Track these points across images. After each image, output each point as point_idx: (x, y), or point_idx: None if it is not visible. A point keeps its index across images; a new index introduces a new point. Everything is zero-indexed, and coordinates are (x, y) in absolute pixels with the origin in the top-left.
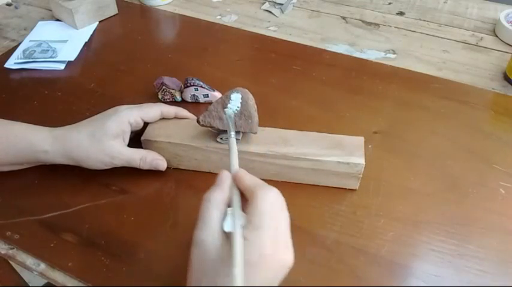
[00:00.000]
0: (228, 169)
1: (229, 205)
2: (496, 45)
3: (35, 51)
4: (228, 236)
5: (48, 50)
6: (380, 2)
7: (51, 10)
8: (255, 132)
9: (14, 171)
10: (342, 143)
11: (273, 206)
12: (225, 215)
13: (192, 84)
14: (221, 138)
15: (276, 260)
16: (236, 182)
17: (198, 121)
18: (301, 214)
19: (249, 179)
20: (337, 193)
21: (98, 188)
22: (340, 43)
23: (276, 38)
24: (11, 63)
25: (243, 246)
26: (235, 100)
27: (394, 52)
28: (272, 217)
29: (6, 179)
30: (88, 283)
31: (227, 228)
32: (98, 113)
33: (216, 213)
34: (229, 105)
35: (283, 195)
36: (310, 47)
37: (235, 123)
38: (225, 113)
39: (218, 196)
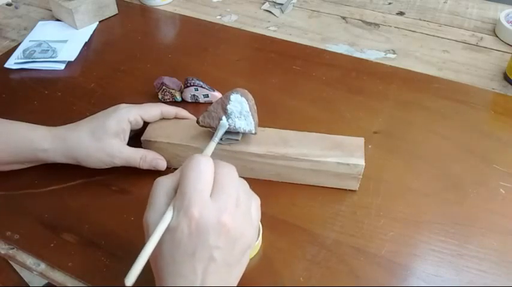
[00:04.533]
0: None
1: None
2: (496, 45)
3: (35, 51)
4: None
5: (48, 50)
6: (380, 2)
7: (51, 10)
8: (255, 133)
9: (14, 171)
10: (342, 143)
11: (195, 171)
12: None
13: (192, 84)
14: (221, 139)
15: (208, 223)
16: None
17: (197, 122)
18: (301, 214)
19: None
20: (337, 193)
21: (98, 188)
22: (340, 43)
23: (276, 38)
24: (11, 63)
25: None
26: (235, 101)
27: (394, 52)
28: (194, 181)
29: (6, 179)
30: (88, 283)
31: None
32: (98, 112)
33: (163, 197)
34: (229, 106)
35: (283, 195)
36: (310, 47)
37: (235, 124)
38: (220, 120)
39: (168, 181)
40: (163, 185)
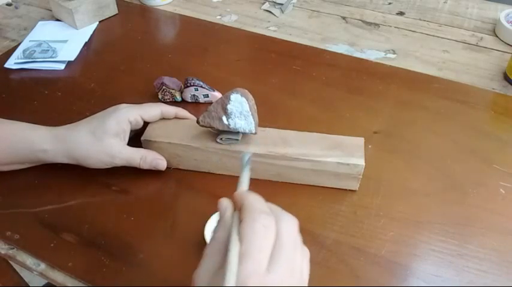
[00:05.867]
0: (225, 168)
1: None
2: (496, 45)
3: (35, 51)
4: None
5: (48, 50)
6: (380, 2)
7: (51, 10)
8: (255, 133)
9: (14, 171)
10: (342, 143)
11: (257, 235)
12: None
13: (192, 84)
14: (221, 139)
15: None
16: (236, 202)
17: (197, 121)
18: (301, 214)
19: (246, 198)
20: (337, 193)
21: (98, 188)
22: (340, 43)
23: (276, 38)
24: (11, 63)
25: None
26: (235, 101)
27: (394, 52)
28: (256, 248)
29: (6, 179)
30: (88, 283)
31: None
32: (98, 112)
33: (220, 256)
34: (229, 105)
35: (283, 195)
36: (310, 47)
37: (235, 124)
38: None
39: (222, 235)
40: (219, 240)
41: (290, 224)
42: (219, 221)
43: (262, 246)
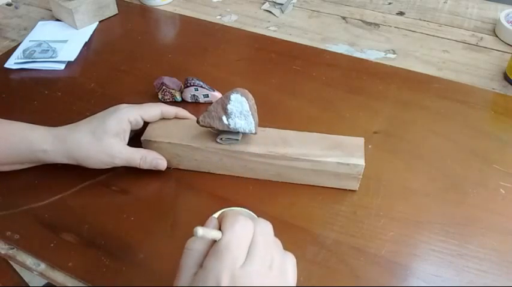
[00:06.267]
0: (225, 168)
1: None
2: (496, 45)
3: (35, 51)
4: None
5: (48, 50)
6: (380, 2)
7: (51, 10)
8: (255, 133)
9: (14, 171)
10: (342, 143)
11: (236, 237)
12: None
13: (192, 84)
14: (221, 139)
15: None
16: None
17: (197, 121)
18: (301, 214)
19: (227, 213)
20: (337, 193)
21: (98, 188)
22: (340, 43)
23: (276, 38)
24: (11, 63)
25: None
26: (235, 101)
27: (394, 52)
28: (231, 248)
29: (6, 179)
30: (88, 283)
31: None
32: (98, 112)
33: (194, 269)
34: (229, 105)
35: (283, 195)
36: (310, 47)
37: (235, 124)
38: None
39: (199, 248)
40: (193, 255)
41: (265, 226)
42: (196, 235)
43: (240, 243)
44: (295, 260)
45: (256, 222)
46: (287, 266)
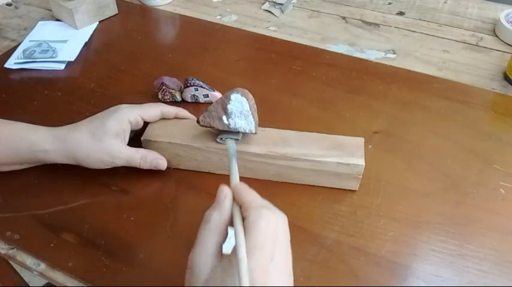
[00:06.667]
0: (225, 168)
1: (231, 223)
2: (496, 45)
3: (35, 51)
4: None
5: (48, 50)
6: (380, 2)
7: (51, 10)
8: (255, 133)
9: (14, 171)
10: (342, 143)
11: (264, 231)
12: (225, 237)
13: (192, 84)
14: (221, 139)
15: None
16: (235, 197)
17: (198, 121)
18: (301, 214)
19: (247, 195)
20: (337, 193)
21: (98, 188)
22: (340, 43)
23: (276, 38)
24: (11, 63)
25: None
26: (235, 101)
27: (394, 52)
28: (262, 245)
29: (6, 179)
30: (88, 283)
31: (225, 250)
32: (98, 113)
33: (214, 237)
34: (229, 105)
35: (283, 195)
36: (310, 47)
37: (235, 124)
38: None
39: (217, 218)
40: (213, 224)
41: (285, 221)
42: (214, 206)
43: (266, 241)
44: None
45: (277, 215)
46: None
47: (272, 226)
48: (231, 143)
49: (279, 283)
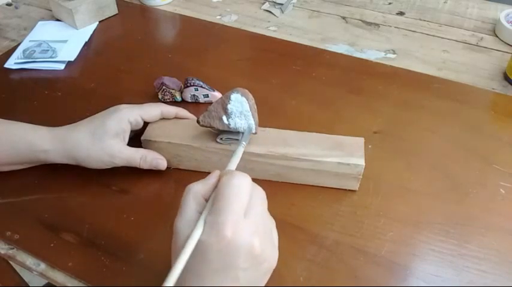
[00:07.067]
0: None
1: None
2: (496, 45)
3: (35, 51)
4: None
5: (48, 50)
6: (380, 2)
7: (51, 10)
8: (255, 133)
9: (14, 171)
10: (342, 143)
11: (234, 190)
12: (203, 207)
13: (192, 84)
14: (221, 139)
15: (240, 245)
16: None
17: (198, 121)
18: (301, 214)
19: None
20: (337, 193)
21: (98, 188)
22: (340, 43)
23: (276, 38)
24: (11, 63)
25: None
26: (235, 100)
27: (394, 52)
28: (232, 200)
29: (6, 179)
30: (88, 283)
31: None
32: (98, 113)
33: (194, 205)
34: (229, 105)
35: (283, 195)
36: (310, 47)
37: (235, 124)
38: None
39: (198, 188)
40: (194, 192)
41: (261, 191)
42: (200, 180)
43: (237, 197)
44: (275, 223)
45: (254, 184)
46: (273, 231)
47: (244, 186)
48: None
49: (257, 244)
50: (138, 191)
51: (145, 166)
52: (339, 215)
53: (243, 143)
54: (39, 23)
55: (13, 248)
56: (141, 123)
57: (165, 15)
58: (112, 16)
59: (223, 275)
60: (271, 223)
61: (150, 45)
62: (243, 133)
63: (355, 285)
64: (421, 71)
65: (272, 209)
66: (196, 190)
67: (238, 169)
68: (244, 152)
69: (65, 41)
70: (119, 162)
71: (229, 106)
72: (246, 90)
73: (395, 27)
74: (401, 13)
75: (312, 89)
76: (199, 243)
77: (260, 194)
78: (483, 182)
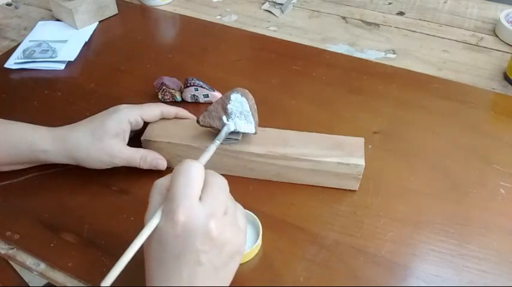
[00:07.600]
0: (225, 168)
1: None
2: (496, 45)
3: (35, 51)
4: None
5: (48, 50)
6: (380, 2)
7: (51, 10)
8: (255, 133)
9: (14, 171)
10: (342, 143)
11: (185, 176)
12: None
13: (192, 84)
14: None
15: (195, 228)
16: None
17: (197, 121)
18: (301, 214)
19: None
20: (337, 193)
21: (98, 188)
22: (340, 43)
23: (276, 38)
24: (11, 63)
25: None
26: (235, 100)
27: (394, 52)
28: (183, 186)
29: (6, 179)
30: (88, 283)
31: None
32: (98, 113)
33: (158, 197)
34: (229, 105)
35: (283, 195)
36: (310, 47)
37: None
38: (221, 119)
39: (163, 182)
40: (158, 186)
41: (219, 178)
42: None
43: (191, 184)
44: (243, 210)
45: (208, 172)
46: (237, 213)
47: (195, 172)
48: (226, 128)
49: (213, 226)
50: (138, 191)
51: (145, 166)
52: (339, 215)
53: (217, 141)
54: (39, 23)
55: (13, 248)
56: (141, 124)
57: (165, 15)
58: (112, 16)
59: (184, 259)
60: (234, 208)
61: (150, 45)
62: (226, 132)
63: (355, 285)
64: (421, 71)
65: (272, 209)
66: (161, 183)
67: (238, 169)
68: (244, 152)
69: (65, 41)
70: (119, 162)
71: (229, 106)
72: (246, 91)
73: (395, 27)
74: (401, 13)
75: (311, 89)
76: (157, 231)
77: (218, 179)
78: (483, 182)
